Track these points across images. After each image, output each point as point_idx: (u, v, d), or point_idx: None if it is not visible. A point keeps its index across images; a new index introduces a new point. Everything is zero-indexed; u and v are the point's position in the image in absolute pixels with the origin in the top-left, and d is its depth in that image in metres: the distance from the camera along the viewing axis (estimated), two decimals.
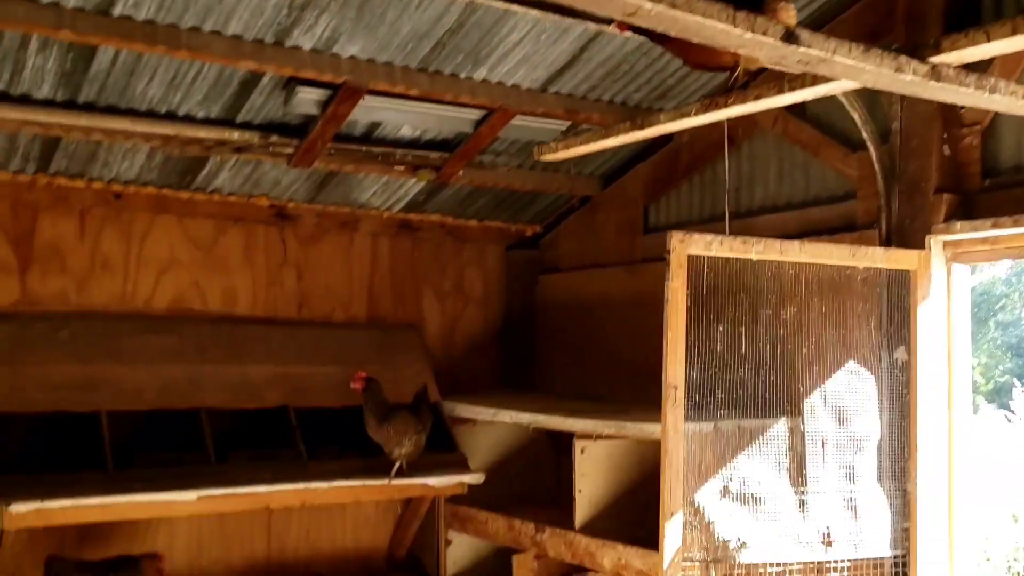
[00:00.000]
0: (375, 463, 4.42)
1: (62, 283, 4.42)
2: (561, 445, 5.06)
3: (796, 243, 3.46)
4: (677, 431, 3.23)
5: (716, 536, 3.29)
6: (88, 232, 4.48)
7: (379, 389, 4.40)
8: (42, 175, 4.25)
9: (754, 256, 3.38)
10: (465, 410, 4.82)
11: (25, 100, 3.75)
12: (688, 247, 3.27)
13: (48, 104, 3.79)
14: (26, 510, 3.63)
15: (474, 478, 4.63)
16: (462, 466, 4.66)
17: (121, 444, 4.05)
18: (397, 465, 4.40)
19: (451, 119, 4.22)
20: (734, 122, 4.33)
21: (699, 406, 3.29)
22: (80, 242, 4.46)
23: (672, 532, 3.23)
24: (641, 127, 3.00)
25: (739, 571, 3.33)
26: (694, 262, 3.30)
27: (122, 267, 4.56)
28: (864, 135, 3.66)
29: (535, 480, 5.18)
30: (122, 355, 4.33)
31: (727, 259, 3.37)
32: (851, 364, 3.51)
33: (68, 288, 4.43)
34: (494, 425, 4.93)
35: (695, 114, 2.83)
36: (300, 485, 4.24)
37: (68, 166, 4.24)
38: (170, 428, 4.36)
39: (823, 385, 3.47)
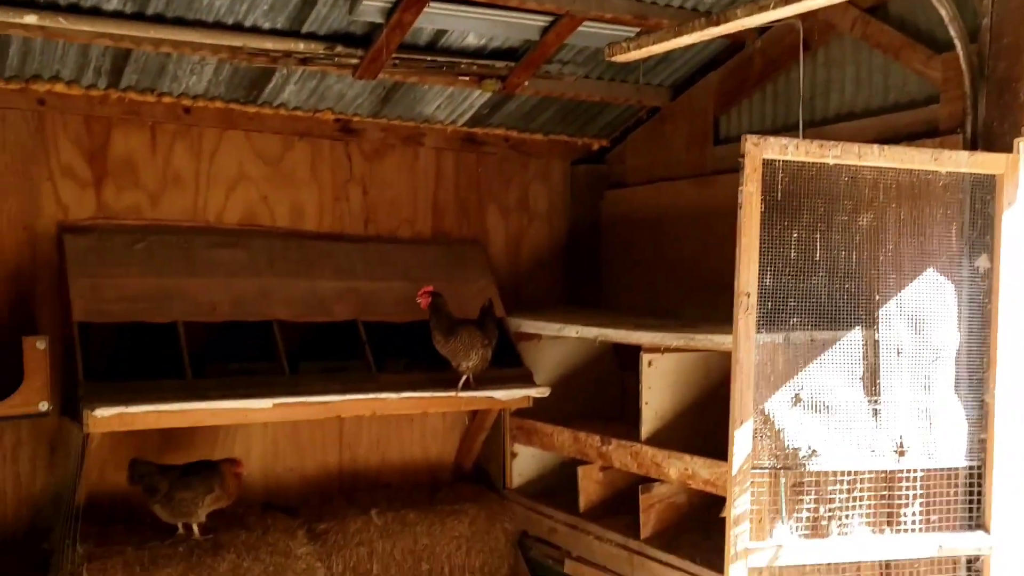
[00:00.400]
0: (442, 376, 4.48)
1: (136, 197, 4.51)
2: (626, 361, 5.07)
3: (875, 147, 3.32)
4: (749, 338, 3.18)
5: (786, 444, 3.26)
6: (160, 147, 4.55)
7: (444, 304, 4.43)
8: (113, 90, 4.31)
9: (831, 160, 3.27)
10: (530, 325, 4.84)
11: (95, 12, 3.77)
12: (763, 151, 3.18)
13: (117, 16, 3.81)
14: (110, 414, 3.76)
15: (540, 392, 4.66)
16: (527, 381, 4.70)
17: (196, 354, 4.15)
18: (464, 378, 4.45)
19: (517, 26, 4.13)
20: (810, 26, 4.18)
21: (771, 314, 3.23)
22: (152, 157, 4.53)
23: (741, 440, 3.20)
24: (717, 23, 2.89)
25: (808, 479, 3.30)
26: (769, 167, 3.21)
27: (193, 182, 4.63)
28: (952, 33, 3.47)
29: (600, 396, 5.21)
30: (196, 268, 4.42)
31: (802, 164, 3.26)
32: (929, 272, 3.39)
33: (142, 202, 4.52)
34: (559, 341, 4.95)
35: (775, 7, 2.71)
36: (370, 396, 4.33)
37: (138, 80, 4.28)
38: (243, 340, 4.47)
39: (900, 293, 3.37)
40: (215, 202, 4.68)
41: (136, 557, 3.97)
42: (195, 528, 4.16)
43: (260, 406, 4.05)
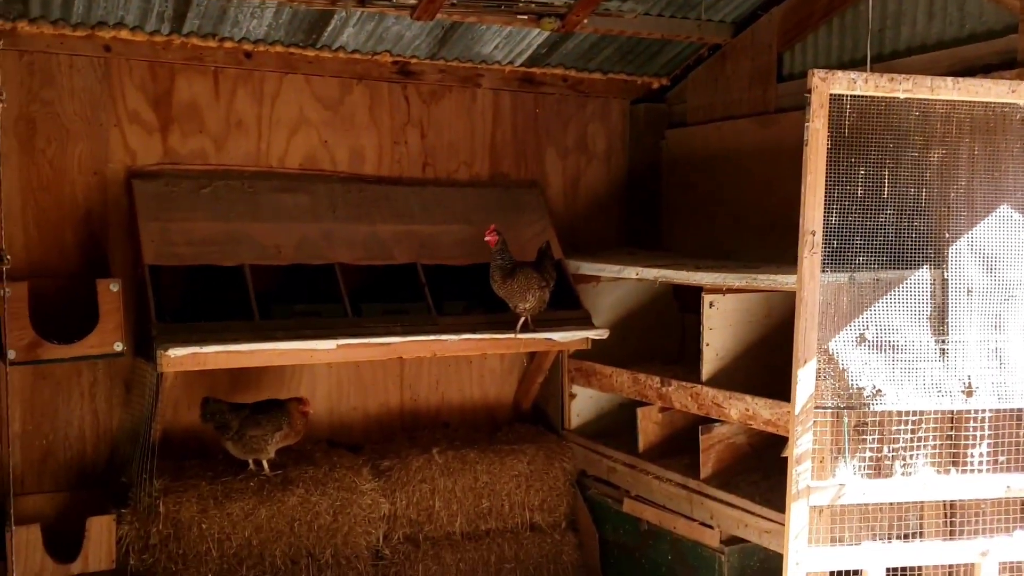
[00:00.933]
0: (501, 318, 4.52)
1: (200, 142, 4.57)
2: (686, 303, 5.05)
3: (948, 80, 3.22)
4: (813, 277, 3.15)
5: (850, 384, 3.24)
6: (222, 92, 4.60)
7: (506, 246, 4.44)
8: (176, 35, 4.35)
9: (902, 95, 3.18)
10: (589, 267, 4.83)
11: None
12: (831, 85, 3.10)
13: None
14: (183, 354, 3.88)
15: (598, 334, 4.67)
16: (586, 323, 4.71)
17: (262, 296, 4.24)
18: (522, 320, 4.48)
19: None
20: None
21: (836, 253, 3.18)
22: (215, 102, 4.59)
23: (805, 379, 3.19)
24: None
25: (872, 418, 3.28)
26: (836, 102, 3.13)
27: (255, 127, 4.67)
28: None
29: (658, 338, 5.21)
30: (260, 213, 4.49)
31: (871, 99, 3.18)
32: (1003, 209, 3.31)
33: (207, 147, 4.59)
34: (618, 283, 4.94)
35: None
36: (430, 337, 4.38)
37: (200, 25, 4.32)
38: (306, 283, 4.55)
39: (971, 231, 3.29)
40: (277, 147, 4.73)
41: (210, 491, 4.13)
42: (265, 464, 4.30)
43: (325, 347, 4.14)
